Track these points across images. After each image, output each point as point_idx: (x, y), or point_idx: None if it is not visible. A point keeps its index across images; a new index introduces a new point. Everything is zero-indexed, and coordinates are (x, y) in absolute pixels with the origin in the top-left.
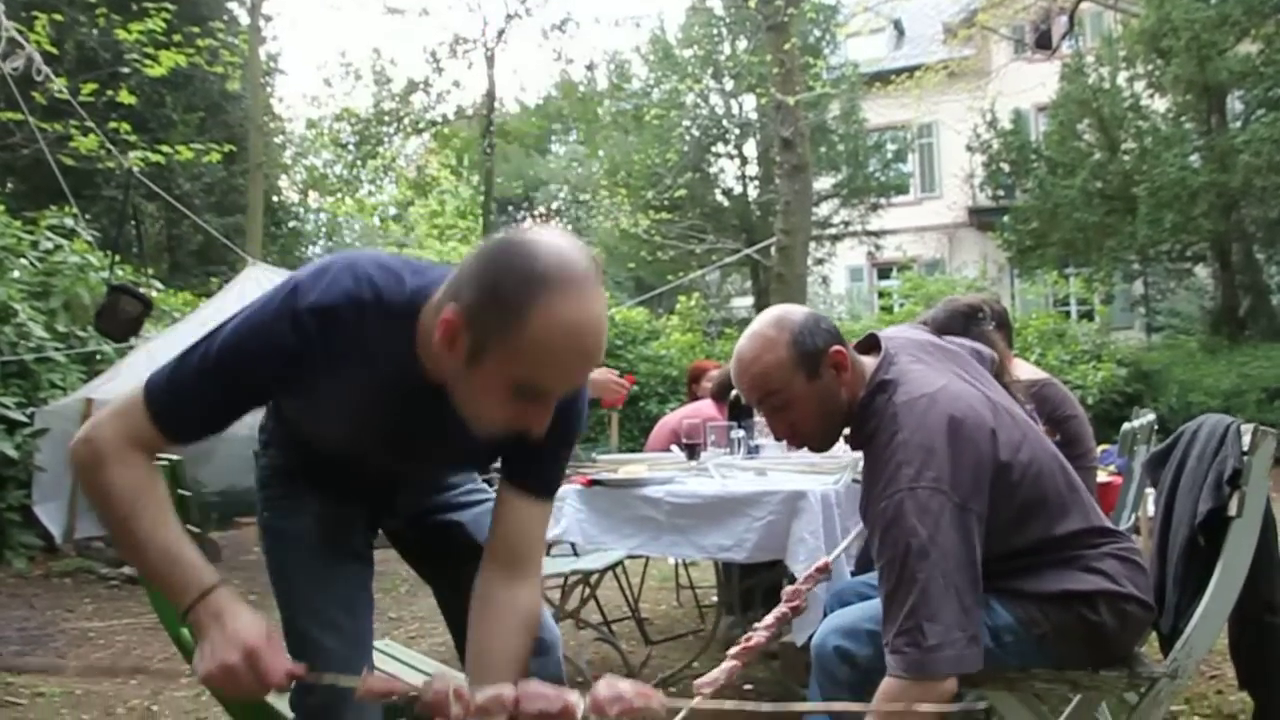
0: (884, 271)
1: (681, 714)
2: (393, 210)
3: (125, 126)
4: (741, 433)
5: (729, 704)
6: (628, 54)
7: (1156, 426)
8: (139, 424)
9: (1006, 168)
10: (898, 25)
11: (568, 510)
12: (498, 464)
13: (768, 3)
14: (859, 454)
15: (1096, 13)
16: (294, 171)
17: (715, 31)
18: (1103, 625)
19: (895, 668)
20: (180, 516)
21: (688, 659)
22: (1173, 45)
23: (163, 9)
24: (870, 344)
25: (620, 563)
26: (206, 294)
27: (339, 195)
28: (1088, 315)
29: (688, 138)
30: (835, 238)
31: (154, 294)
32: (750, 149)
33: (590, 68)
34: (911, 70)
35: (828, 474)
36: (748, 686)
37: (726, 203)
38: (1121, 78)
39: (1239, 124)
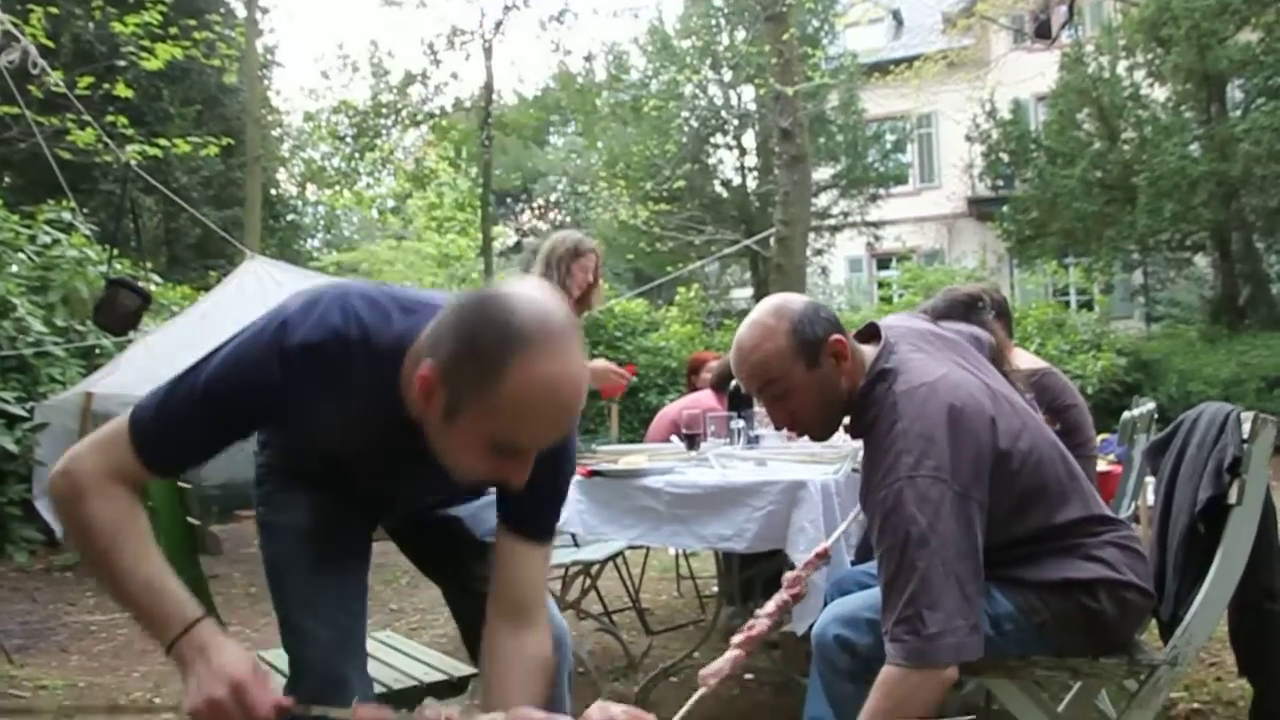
0: (883, 262)
1: (689, 703)
2: (391, 203)
3: (122, 120)
4: (741, 423)
5: None
6: (626, 45)
7: (1156, 415)
8: (121, 456)
9: (1006, 158)
10: (896, 15)
11: (568, 501)
12: None
13: None
14: (859, 443)
15: (1096, 2)
16: (292, 164)
17: (713, 22)
18: (1103, 613)
19: (894, 656)
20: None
21: (689, 649)
22: (1173, 34)
23: (159, 2)
24: (870, 333)
25: (621, 553)
26: (205, 287)
27: (337, 188)
28: (1087, 305)
29: (686, 129)
30: (834, 228)
31: (152, 288)
32: (749, 140)
33: (588, 59)
34: (910, 60)
35: (828, 463)
36: (749, 676)
37: (725, 194)
38: (1121, 67)
39: (1239, 113)
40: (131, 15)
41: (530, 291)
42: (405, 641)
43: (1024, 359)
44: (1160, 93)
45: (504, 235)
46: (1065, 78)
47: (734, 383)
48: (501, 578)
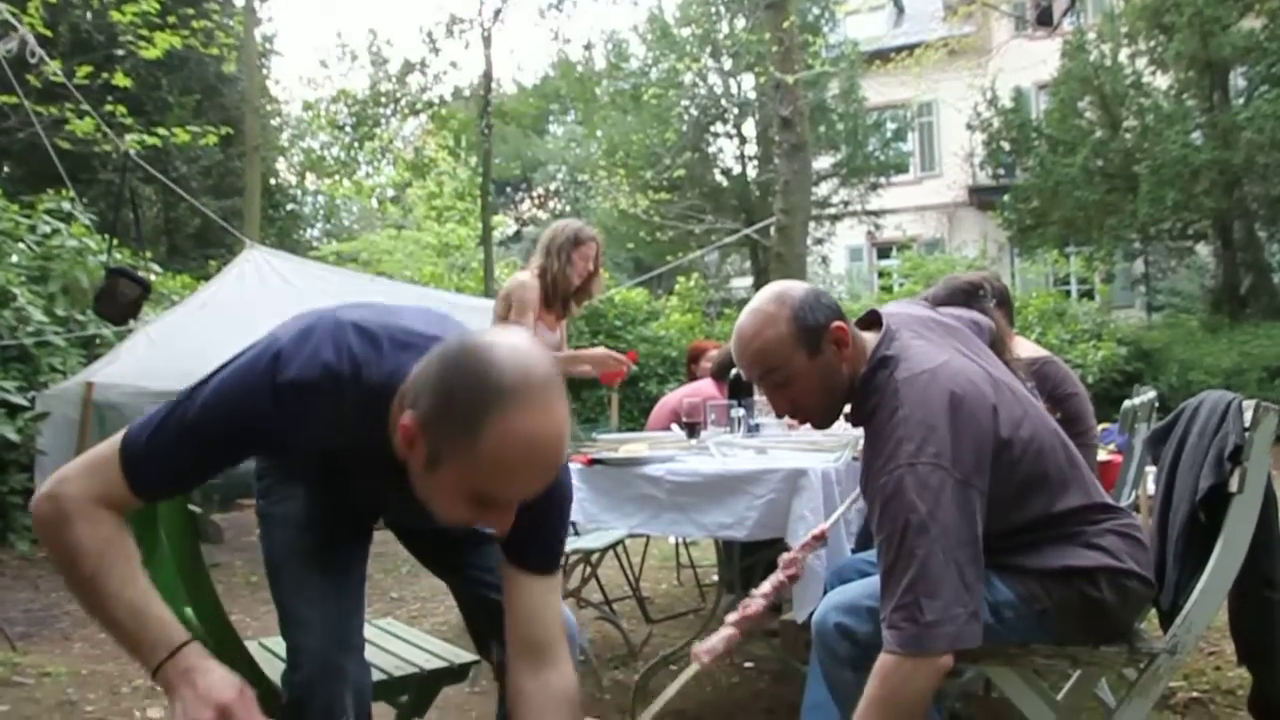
0: (884, 251)
1: (681, 678)
2: (390, 192)
3: (121, 109)
4: (742, 411)
5: None
6: (625, 33)
7: (1157, 405)
8: (110, 481)
9: (1007, 146)
10: (897, 3)
11: None
12: None
13: None
14: (859, 431)
15: None
16: (291, 154)
17: (713, 10)
18: (1103, 601)
19: (890, 643)
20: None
21: (689, 637)
22: (1175, 21)
23: None
24: (871, 320)
25: (621, 542)
26: (205, 276)
27: (336, 177)
28: (1088, 294)
29: (686, 117)
30: (835, 217)
31: (152, 277)
32: (749, 128)
33: (588, 47)
34: (911, 48)
35: (828, 451)
36: (748, 664)
37: (725, 183)
38: (1123, 54)
39: (1242, 100)
40: (129, 4)
41: (511, 342)
42: (406, 629)
43: (1025, 348)
44: (1162, 80)
45: (504, 224)
46: (1067, 65)
47: (734, 371)
48: (513, 614)
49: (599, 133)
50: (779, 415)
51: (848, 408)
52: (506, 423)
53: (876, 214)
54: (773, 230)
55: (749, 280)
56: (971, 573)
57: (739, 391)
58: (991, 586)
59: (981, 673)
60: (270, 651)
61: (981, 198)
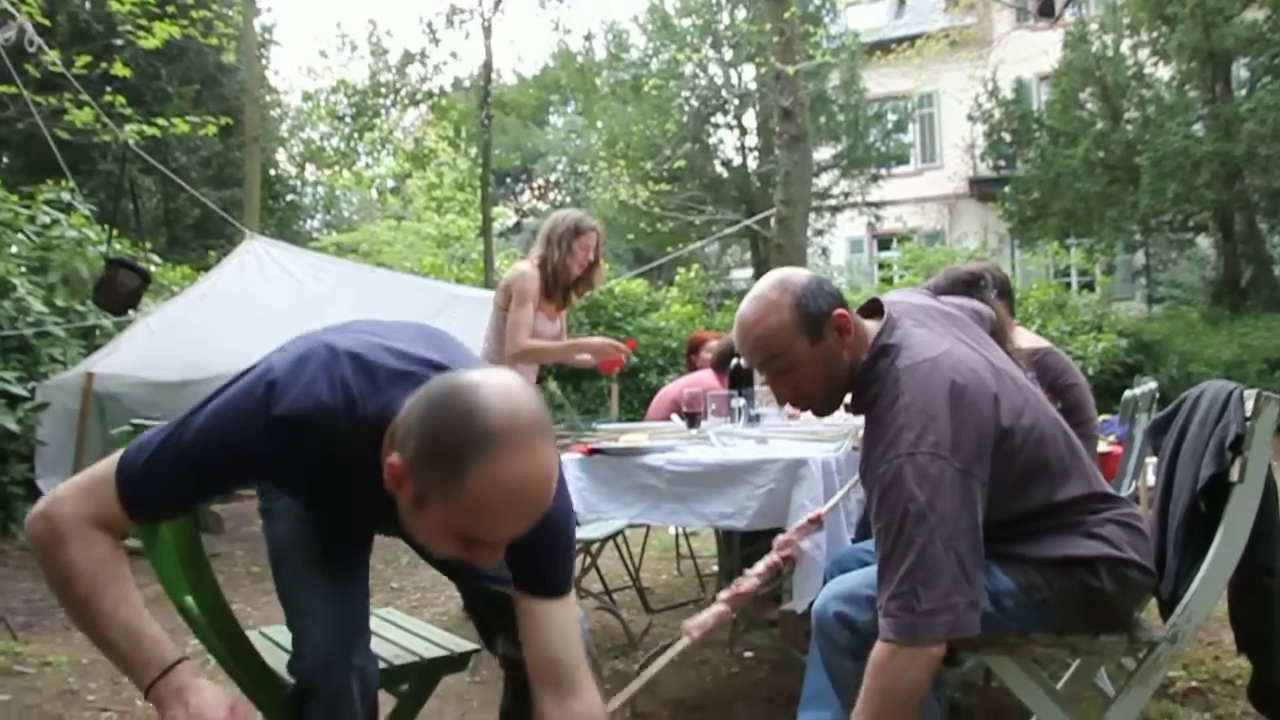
0: (884, 243)
1: (670, 652)
2: (390, 183)
3: (120, 99)
4: (742, 401)
5: None
6: (625, 23)
7: (1157, 396)
8: (105, 504)
9: (1008, 137)
10: None
11: (568, 479)
12: None
13: None
14: (860, 421)
15: None
16: (291, 144)
17: (714, 0)
18: (1103, 590)
19: (886, 631)
20: None
21: None
22: (1177, 12)
23: None
24: (872, 308)
25: (621, 532)
26: (204, 267)
27: (336, 168)
28: (1089, 286)
29: (687, 108)
30: (835, 209)
31: (152, 268)
32: (750, 119)
33: (588, 38)
34: (912, 39)
35: (828, 441)
36: (748, 654)
37: (726, 174)
38: (1125, 45)
39: (1244, 92)
40: None
41: (498, 383)
42: (406, 618)
43: (1026, 338)
44: (1164, 72)
45: (504, 215)
46: (1068, 57)
47: (735, 361)
48: (529, 642)
49: (599, 124)
50: (780, 403)
51: (848, 396)
52: (492, 467)
53: (877, 205)
54: (773, 221)
55: (749, 272)
56: (971, 562)
57: (739, 382)
58: (992, 575)
59: (981, 662)
60: (272, 641)
61: (982, 189)
